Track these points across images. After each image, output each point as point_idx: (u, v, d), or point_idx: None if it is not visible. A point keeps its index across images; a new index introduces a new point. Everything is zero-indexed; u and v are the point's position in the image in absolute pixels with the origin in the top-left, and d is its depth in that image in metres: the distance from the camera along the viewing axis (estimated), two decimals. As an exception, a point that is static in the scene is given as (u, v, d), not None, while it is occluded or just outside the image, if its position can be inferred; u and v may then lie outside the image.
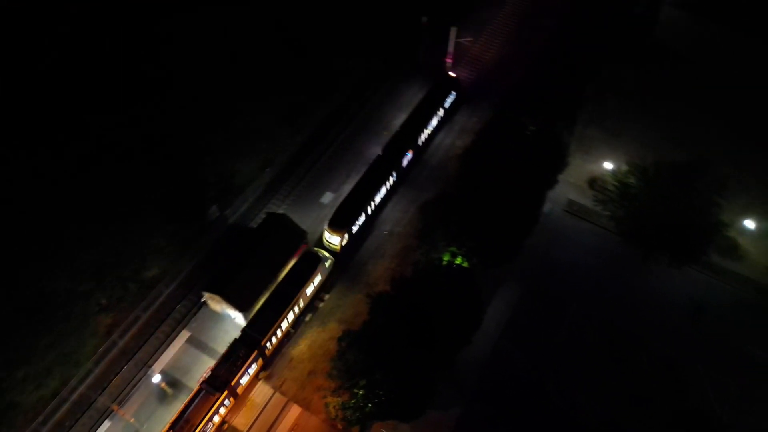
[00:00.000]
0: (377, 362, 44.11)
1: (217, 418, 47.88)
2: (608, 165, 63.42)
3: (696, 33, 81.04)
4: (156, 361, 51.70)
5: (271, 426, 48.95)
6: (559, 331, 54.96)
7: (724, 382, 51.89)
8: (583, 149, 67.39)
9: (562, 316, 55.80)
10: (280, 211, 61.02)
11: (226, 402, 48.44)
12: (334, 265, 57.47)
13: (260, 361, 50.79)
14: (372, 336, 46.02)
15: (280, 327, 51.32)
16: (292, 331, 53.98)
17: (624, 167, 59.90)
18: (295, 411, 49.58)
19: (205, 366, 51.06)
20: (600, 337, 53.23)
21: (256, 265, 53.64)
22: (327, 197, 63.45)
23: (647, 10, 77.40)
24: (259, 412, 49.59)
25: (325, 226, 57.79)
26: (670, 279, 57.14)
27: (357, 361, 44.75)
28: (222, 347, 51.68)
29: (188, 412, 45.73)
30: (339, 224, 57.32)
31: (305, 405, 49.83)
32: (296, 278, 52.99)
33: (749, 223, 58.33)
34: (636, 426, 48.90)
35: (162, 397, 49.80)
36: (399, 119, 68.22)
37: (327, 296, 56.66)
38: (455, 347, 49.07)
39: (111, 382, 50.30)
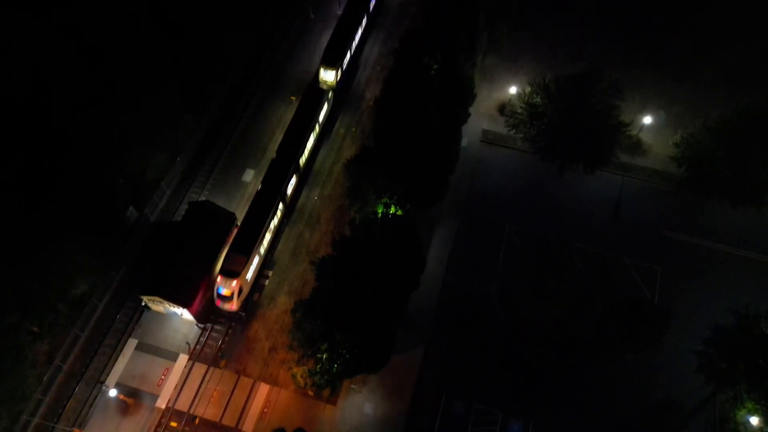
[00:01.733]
0: (335, 324, 44.66)
1: (275, 221, 55.61)
2: (513, 89, 65.51)
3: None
4: (108, 375, 49.75)
5: (243, 409, 48.85)
6: (498, 253, 57.73)
7: (650, 268, 56.76)
8: (488, 79, 69.16)
9: (499, 239, 58.55)
10: (202, 198, 59.08)
11: (281, 206, 55.86)
12: (334, 97, 65.77)
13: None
14: (324, 300, 46.36)
15: (305, 146, 59.33)
16: (242, 314, 53.40)
17: (528, 89, 61.98)
18: (263, 389, 49.67)
19: (160, 368, 49.85)
20: (535, 251, 56.21)
21: (189, 257, 52.05)
22: (248, 175, 61.97)
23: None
24: (227, 400, 49.24)
25: (320, 66, 64.97)
26: (587, 184, 60.96)
27: (314, 327, 45.03)
28: (174, 347, 50.75)
29: (249, 217, 53.11)
30: (331, 61, 64.90)
31: (272, 381, 49.99)
32: (309, 109, 60.76)
33: (647, 119, 62.52)
34: (579, 323, 52.72)
35: (124, 409, 48.27)
36: (303, 81, 66.79)
37: (271, 272, 56.16)
38: (406, 292, 50.43)
39: (66, 406, 48.09)
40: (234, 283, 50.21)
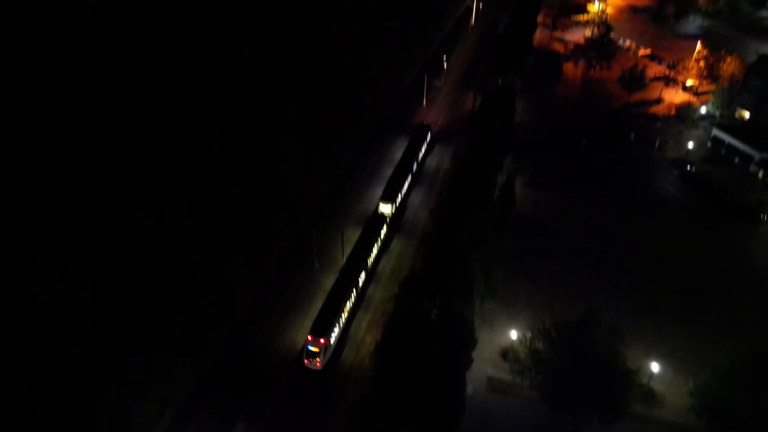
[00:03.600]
0: None
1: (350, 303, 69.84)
2: (514, 334, 65.33)
3: (546, 203, 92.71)
4: None
5: None
6: None
7: None
8: (488, 323, 69.54)
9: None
10: (187, 456, 53.86)
11: (354, 292, 70.40)
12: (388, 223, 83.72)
13: None
14: None
15: (372, 251, 76.45)
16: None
17: (528, 334, 61.95)
18: None
19: None
20: None
21: None
22: (239, 429, 57.44)
23: (506, 191, 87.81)
24: None
25: (380, 201, 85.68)
26: (605, 438, 56.61)
27: None
28: None
29: (332, 295, 68.06)
30: (389, 197, 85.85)
31: None
32: (373, 228, 79.27)
33: (654, 366, 61.13)
34: None
35: None
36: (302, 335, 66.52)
37: None
38: None
39: None
40: (322, 340, 61.77)
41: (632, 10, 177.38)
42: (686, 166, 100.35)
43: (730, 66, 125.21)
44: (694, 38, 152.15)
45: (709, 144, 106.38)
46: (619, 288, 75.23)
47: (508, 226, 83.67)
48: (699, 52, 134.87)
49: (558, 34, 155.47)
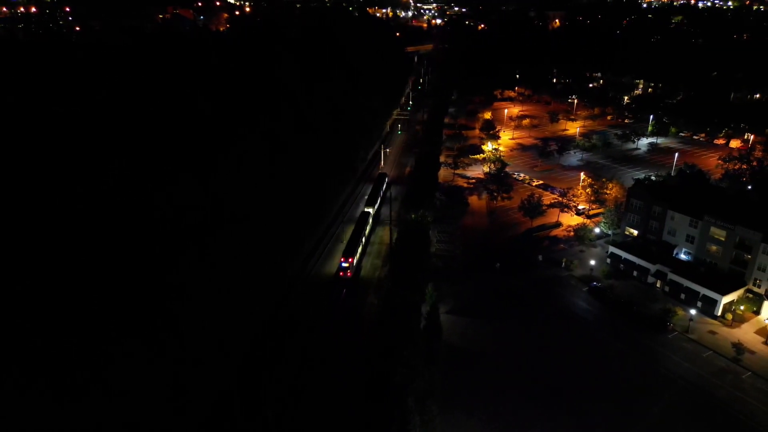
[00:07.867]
0: None
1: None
2: (458, 473, 61.87)
3: (472, 330, 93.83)
4: None
5: None
6: None
7: None
8: (429, 464, 65.66)
9: None
10: None
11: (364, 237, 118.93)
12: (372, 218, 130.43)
13: None
14: None
15: (366, 226, 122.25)
16: None
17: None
18: None
19: None
20: None
21: None
22: None
23: (431, 321, 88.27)
24: None
25: (365, 206, 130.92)
26: None
27: None
28: None
29: (353, 235, 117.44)
30: (370, 203, 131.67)
31: None
32: (364, 218, 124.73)
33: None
34: None
35: None
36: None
37: None
38: None
39: None
40: (350, 258, 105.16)
41: (521, 148, 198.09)
42: (593, 283, 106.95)
43: (612, 190, 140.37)
44: (578, 169, 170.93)
45: (608, 260, 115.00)
46: (553, 410, 74.88)
47: (438, 357, 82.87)
48: (583, 180, 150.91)
49: (459, 171, 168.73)
